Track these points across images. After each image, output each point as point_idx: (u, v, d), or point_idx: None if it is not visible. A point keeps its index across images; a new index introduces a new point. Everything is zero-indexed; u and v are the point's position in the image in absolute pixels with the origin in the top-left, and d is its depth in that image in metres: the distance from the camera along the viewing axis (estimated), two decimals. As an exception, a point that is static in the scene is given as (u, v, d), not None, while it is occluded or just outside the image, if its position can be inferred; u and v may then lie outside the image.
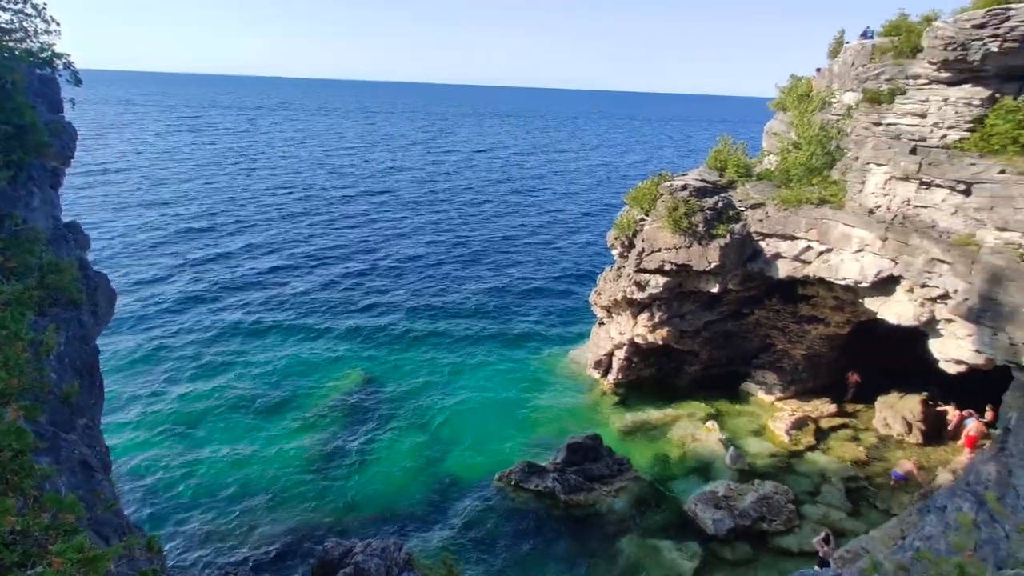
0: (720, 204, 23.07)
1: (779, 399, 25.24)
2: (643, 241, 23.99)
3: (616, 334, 26.16)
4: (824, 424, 23.78)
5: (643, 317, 24.69)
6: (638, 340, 25.17)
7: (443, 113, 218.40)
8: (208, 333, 30.58)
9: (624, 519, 18.84)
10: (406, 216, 57.66)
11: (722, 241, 22.36)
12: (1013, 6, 16.31)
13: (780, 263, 22.53)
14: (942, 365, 18.54)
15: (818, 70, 26.21)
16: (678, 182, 23.84)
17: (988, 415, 21.14)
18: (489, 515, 19.04)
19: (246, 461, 21.24)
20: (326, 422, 23.55)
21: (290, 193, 64.45)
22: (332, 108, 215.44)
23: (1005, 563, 7.90)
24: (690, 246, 22.66)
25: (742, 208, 23.23)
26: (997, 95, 17.12)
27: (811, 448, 22.38)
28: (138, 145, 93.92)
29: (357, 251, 45.52)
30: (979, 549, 9.72)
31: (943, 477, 19.72)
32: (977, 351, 16.87)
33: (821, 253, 21.27)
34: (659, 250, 23.32)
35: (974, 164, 16.81)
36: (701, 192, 23.37)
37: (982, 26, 16.29)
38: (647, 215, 24.56)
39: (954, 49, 16.81)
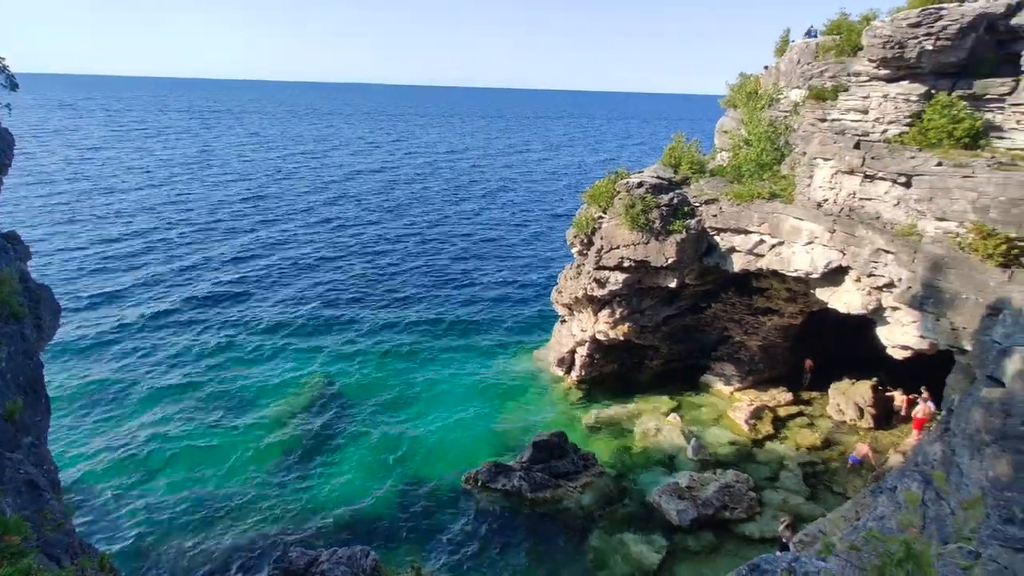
0: (676, 200, 23.49)
1: (738, 390, 25.84)
2: (602, 239, 24.26)
3: (578, 331, 26.40)
4: (781, 412, 24.45)
5: (604, 314, 24.96)
6: (600, 337, 25.45)
7: (403, 115, 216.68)
8: (163, 346, 29.72)
9: (591, 514, 19.03)
10: (366, 220, 57.04)
11: (678, 237, 22.78)
12: (945, 6, 17.06)
13: (735, 257, 23.06)
14: (890, 351, 19.26)
15: (766, 68, 26.95)
16: (634, 179, 24.19)
17: (924, 396, 22.28)
18: (456, 517, 19.01)
19: (205, 474, 20.73)
20: (287, 432, 23.13)
21: (245, 201, 63.03)
22: (290, 110, 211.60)
23: (950, 539, 8.26)
24: (648, 242, 23.02)
25: (697, 204, 23.70)
26: (932, 91, 17.87)
27: (769, 436, 22.98)
28: (84, 152, 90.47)
29: (316, 261, 44.81)
30: (928, 526, 10.15)
31: (894, 459, 20.50)
32: (921, 337, 17.58)
33: (773, 246, 21.85)
34: (617, 247, 23.61)
35: (913, 157, 17.52)
36: (657, 189, 23.76)
37: (917, 25, 16.99)
38: (605, 213, 24.84)
39: (892, 47, 17.48)
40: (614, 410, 24.82)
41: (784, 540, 15.99)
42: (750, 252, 22.55)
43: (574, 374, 26.85)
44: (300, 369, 27.84)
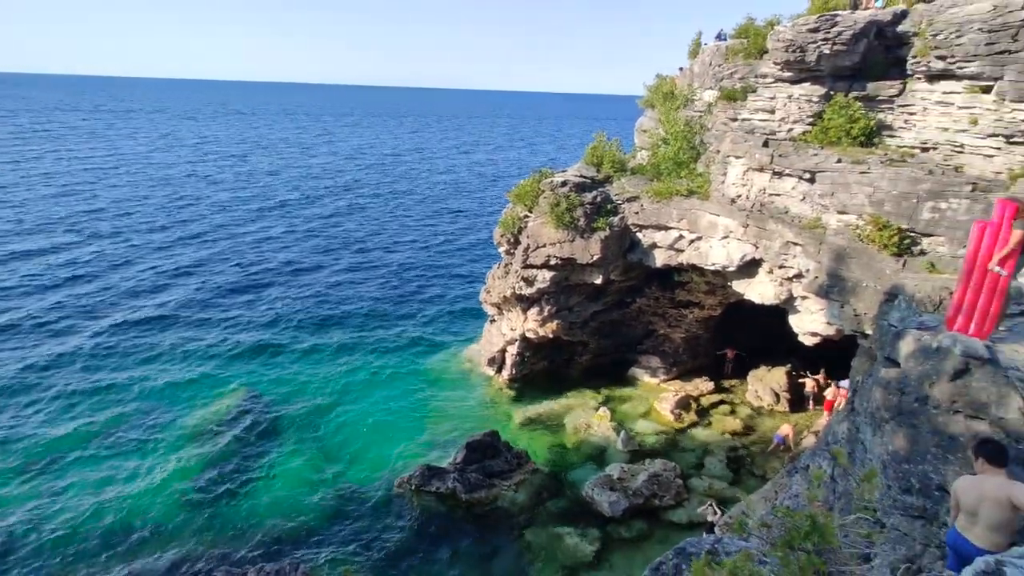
0: (599, 198, 24.01)
1: (663, 381, 26.70)
2: (528, 237, 24.50)
3: (507, 330, 26.56)
4: (704, 401, 25.45)
5: (533, 312, 25.22)
6: (529, 335, 25.69)
7: (319, 114, 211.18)
8: (69, 357, 27.74)
9: (526, 511, 19.19)
10: (283, 223, 55.23)
11: (602, 234, 23.30)
12: (840, 13, 18.24)
13: (656, 252, 23.81)
14: (801, 338, 20.41)
15: (681, 70, 27.96)
16: (558, 178, 24.56)
17: (820, 378, 24.03)
18: (391, 522, 18.73)
19: (118, 496, 19.49)
20: (207, 445, 22.11)
21: (152, 202, 59.69)
22: (199, 110, 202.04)
23: (853, 510, 8.83)
24: (573, 240, 23.42)
25: (619, 201, 24.31)
26: (831, 92, 19.05)
27: (694, 424, 23.88)
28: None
29: (232, 262, 42.97)
30: (837, 500, 10.83)
31: (808, 440, 21.74)
32: (828, 323, 18.73)
33: (692, 241, 22.71)
34: (544, 245, 23.91)
35: (816, 155, 18.63)
36: (580, 187, 24.21)
37: (816, 30, 18.07)
38: (530, 212, 25.10)
39: (794, 51, 18.52)
40: (545, 407, 25.14)
41: (711, 519, 16.68)
42: (671, 248, 23.34)
43: (505, 373, 26.99)
44: (220, 379, 26.67)
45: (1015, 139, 15.57)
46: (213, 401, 24.99)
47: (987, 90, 16.01)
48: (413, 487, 19.83)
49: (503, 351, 27.14)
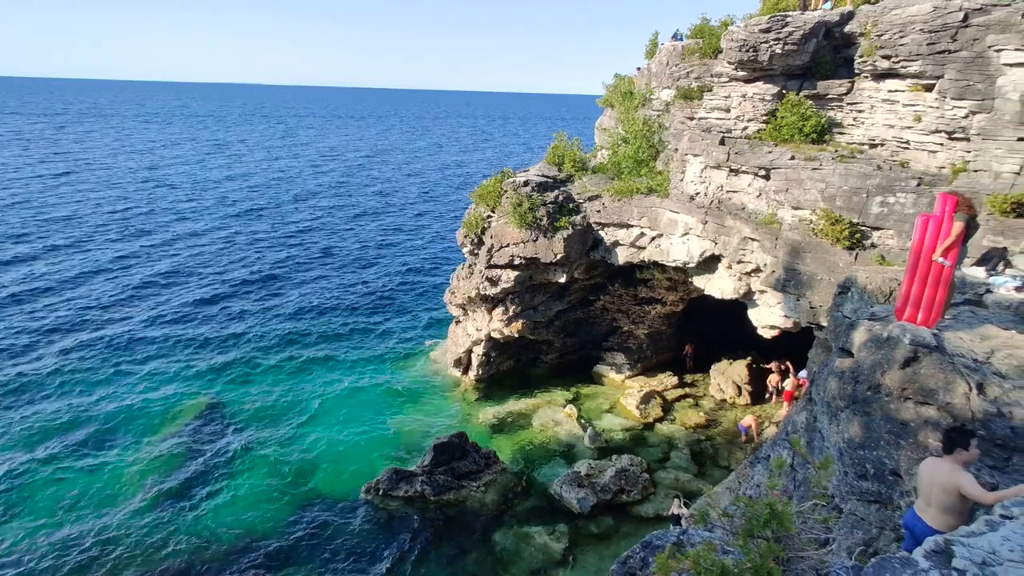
0: (561, 198, 24.16)
1: (628, 377, 27.02)
2: (492, 238, 24.50)
3: (473, 331, 26.51)
4: (669, 396, 25.84)
5: (498, 312, 25.24)
6: (495, 335, 25.70)
7: (281, 116, 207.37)
8: (28, 375, 26.64)
9: (496, 511, 19.20)
10: (245, 230, 54.10)
11: (565, 233, 23.45)
12: (790, 14, 18.71)
13: (619, 250, 24.07)
14: (760, 331, 20.88)
15: (638, 69, 28.31)
16: (520, 178, 24.63)
17: (782, 366, 24.67)
18: (360, 528, 18.52)
19: (74, 516, 18.80)
20: (169, 457, 21.52)
21: (104, 208, 57.76)
22: (151, 112, 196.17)
23: (810, 497, 9.09)
24: (536, 239, 23.52)
25: (581, 200, 24.50)
26: (784, 91, 19.54)
27: (659, 419, 24.22)
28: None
29: (191, 271, 41.91)
30: (797, 488, 11.13)
31: (770, 430, 22.27)
32: (786, 316, 19.21)
33: (653, 238, 23.02)
34: (507, 245, 23.95)
35: (770, 152, 19.09)
36: (542, 187, 24.33)
37: (767, 30, 18.50)
38: (493, 212, 25.11)
39: (747, 51, 18.93)
40: (513, 406, 25.19)
41: (677, 513, 16.95)
42: (632, 245, 23.62)
43: (471, 373, 26.94)
44: (180, 390, 25.97)
45: (956, 135, 16.20)
46: (173, 412, 24.33)
47: (929, 88, 16.62)
48: (381, 492, 19.64)
49: (469, 352, 27.09)
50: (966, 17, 15.34)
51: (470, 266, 26.25)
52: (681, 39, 25.29)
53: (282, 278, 40.70)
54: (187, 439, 22.58)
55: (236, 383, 26.84)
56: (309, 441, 22.89)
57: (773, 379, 25.43)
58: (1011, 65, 14.93)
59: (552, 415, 24.34)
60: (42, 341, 29.81)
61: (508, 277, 24.44)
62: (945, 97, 16.12)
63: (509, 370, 27.54)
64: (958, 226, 9.09)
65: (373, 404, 25.54)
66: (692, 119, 21.99)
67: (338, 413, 24.80)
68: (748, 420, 22.72)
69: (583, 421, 23.81)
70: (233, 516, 18.99)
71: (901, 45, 16.61)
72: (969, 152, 15.95)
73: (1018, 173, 15.06)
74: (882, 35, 17.08)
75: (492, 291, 24.77)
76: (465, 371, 27.33)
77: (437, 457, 20.59)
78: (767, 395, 25.40)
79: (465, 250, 26.54)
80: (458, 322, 27.89)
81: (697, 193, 21.68)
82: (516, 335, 25.57)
